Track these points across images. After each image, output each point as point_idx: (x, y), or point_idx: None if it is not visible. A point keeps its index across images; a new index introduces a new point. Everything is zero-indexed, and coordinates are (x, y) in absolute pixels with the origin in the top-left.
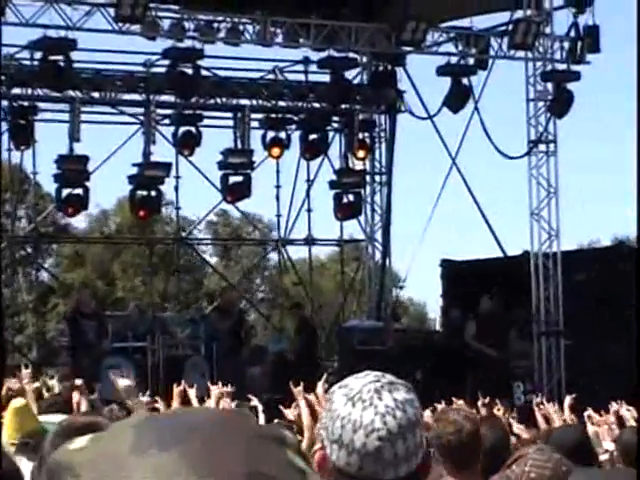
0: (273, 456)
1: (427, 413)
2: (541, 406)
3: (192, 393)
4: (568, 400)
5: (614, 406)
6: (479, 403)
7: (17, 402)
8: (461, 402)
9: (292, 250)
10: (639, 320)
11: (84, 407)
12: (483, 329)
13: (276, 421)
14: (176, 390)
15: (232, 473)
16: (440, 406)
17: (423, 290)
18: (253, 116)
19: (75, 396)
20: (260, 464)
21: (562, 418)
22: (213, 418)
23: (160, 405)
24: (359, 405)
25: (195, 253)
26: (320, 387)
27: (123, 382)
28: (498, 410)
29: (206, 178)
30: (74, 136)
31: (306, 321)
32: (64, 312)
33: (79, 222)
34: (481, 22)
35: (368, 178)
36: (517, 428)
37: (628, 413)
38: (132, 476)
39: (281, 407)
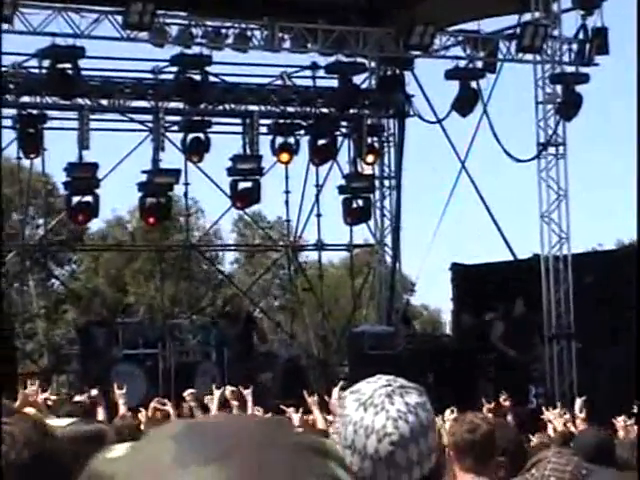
0: (316, 470)
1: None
2: (546, 411)
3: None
4: (579, 402)
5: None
6: (484, 408)
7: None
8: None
9: (302, 256)
10: (639, 321)
11: (101, 416)
12: (513, 332)
13: None
14: (216, 393)
15: None
16: (448, 411)
17: (436, 295)
18: (262, 122)
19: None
20: (304, 478)
21: (563, 422)
22: (254, 429)
23: (169, 407)
24: (371, 410)
25: (207, 260)
26: (335, 393)
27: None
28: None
29: (215, 184)
30: (83, 144)
31: (240, 312)
32: (74, 320)
33: (94, 227)
34: (489, 25)
35: (377, 183)
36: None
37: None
38: None
39: (288, 411)
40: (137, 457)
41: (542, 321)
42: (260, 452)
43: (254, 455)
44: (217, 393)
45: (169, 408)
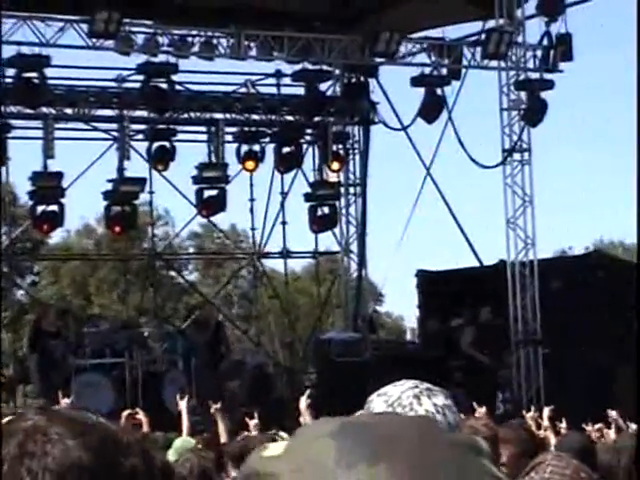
0: (476, 468)
1: None
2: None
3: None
4: (547, 411)
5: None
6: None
7: None
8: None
9: (267, 263)
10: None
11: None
12: (483, 338)
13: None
14: (182, 403)
15: None
16: None
17: (400, 302)
18: (227, 130)
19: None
20: (468, 475)
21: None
22: (410, 427)
23: (141, 416)
24: (399, 411)
25: (171, 268)
26: (303, 402)
27: None
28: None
29: (180, 193)
30: (48, 153)
31: (209, 320)
32: (28, 332)
33: (56, 237)
34: (454, 32)
35: (343, 190)
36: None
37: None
38: None
39: (248, 420)
40: (298, 456)
41: (509, 327)
42: (423, 450)
43: (418, 453)
44: (183, 404)
45: (142, 417)
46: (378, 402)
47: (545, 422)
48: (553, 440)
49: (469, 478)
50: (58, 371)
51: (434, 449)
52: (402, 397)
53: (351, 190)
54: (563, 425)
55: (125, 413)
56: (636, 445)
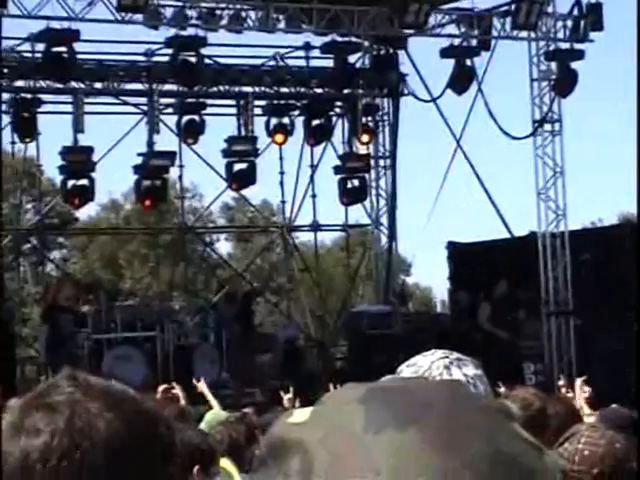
0: (507, 432)
1: None
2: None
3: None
4: (579, 382)
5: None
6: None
7: None
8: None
9: (298, 236)
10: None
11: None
12: (497, 311)
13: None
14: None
15: (477, 454)
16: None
17: (429, 274)
18: (256, 103)
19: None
20: (499, 442)
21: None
22: (440, 390)
23: (178, 391)
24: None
25: (202, 242)
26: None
27: None
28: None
29: (210, 166)
30: (78, 127)
31: (237, 293)
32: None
33: (88, 212)
34: (483, 3)
35: (372, 162)
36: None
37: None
38: (371, 457)
39: (281, 393)
40: (324, 422)
41: (538, 298)
42: (453, 414)
43: (448, 417)
44: (201, 385)
45: (178, 391)
46: (407, 373)
47: (578, 393)
48: (587, 410)
49: (499, 441)
50: (65, 346)
51: (464, 413)
52: (432, 367)
53: (381, 162)
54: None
55: (161, 387)
56: (637, 443)
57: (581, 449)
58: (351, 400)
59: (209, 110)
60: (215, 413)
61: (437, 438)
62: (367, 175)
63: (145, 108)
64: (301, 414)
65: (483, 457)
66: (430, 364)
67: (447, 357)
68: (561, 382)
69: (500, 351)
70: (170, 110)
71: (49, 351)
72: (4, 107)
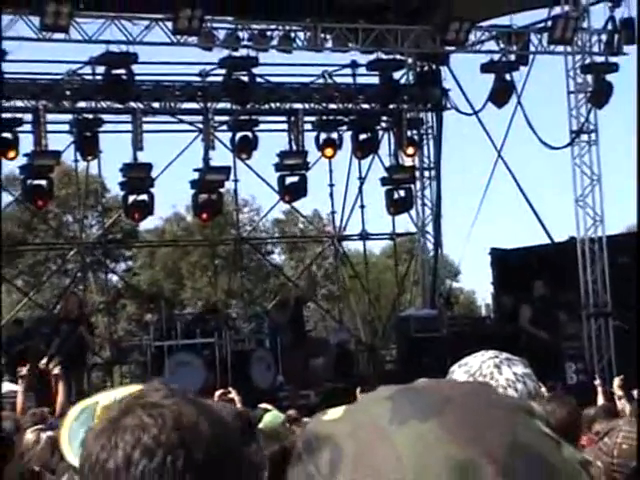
0: (526, 426)
1: None
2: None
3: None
4: (617, 381)
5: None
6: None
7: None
8: None
9: (347, 245)
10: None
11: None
12: (537, 313)
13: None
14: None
15: (494, 443)
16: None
17: (473, 279)
18: (306, 119)
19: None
20: (518, 434)
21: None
22: (463, 389)
23: (233, 395)
24: (480, 380)
25: (257, 252)
26: None
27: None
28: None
29: (263, 180)
30: (137, 145)
31: (288, 299)
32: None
33: (149, 224)
34: (521, 20)
35: (417, 174)
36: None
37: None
38: (395, 446)
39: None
40: (355, 418)
41: (578, 300)
42: (475, 409)
43: (469, 411)
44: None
45: (234, 395)
46: (459, 373)
47: (617, 391)
48: (628, 408)
49: (517, 433)
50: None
51: (484, 408)
52: (482, 367)
53: (426, 174)
54: (635, 393)
55: (218, 392)
56: (637, 439)
57: (620, 443)
58: (380, 398)
59: (261, 126)
60: (273, 415)
61: (457, 429)
62: (413, 186)
63: (200, 126)
64: (334, 412)
65: (501, 447)
66: (481, 364)
67: (497, 357)
68: (597, 382)
69: (542, 352)
70: (224, 127)
71: (62, 358)
72: (67, 127)
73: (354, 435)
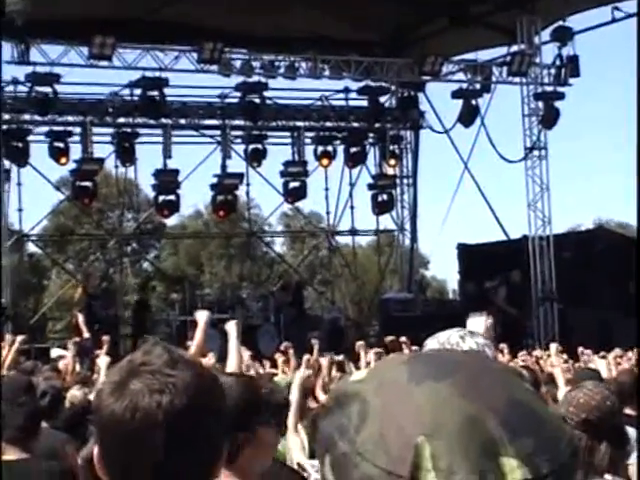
0: (520, 385)
1: None
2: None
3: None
4: (553, 348)
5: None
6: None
7: None
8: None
9: (339, 239)
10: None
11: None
12: (514, 295)
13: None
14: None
15: (495, 398)
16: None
17: (443, 269)
18: (307, 134)
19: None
20: (514, 392)
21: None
22: (470, 355)
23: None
24: (448, 347)
25: (265, 244)
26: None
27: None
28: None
29: (270, 184)
30: (167, 154)
31: (290, 284)
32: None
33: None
34: (485, 55)
35: (398, 181)
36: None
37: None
38: (413, 400)
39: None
40: (378, 378)
41: (532, 287)
42: (480, 372)
43: (476, 373)
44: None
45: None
46: (432, 342)
47: (552, 358)
48: (559, 374)
49: (514, 391)
50: (100, 324)
51: (486, 371)
52: (450, 338)
53: (405, 181)
54: (588, 351)
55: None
56: (636, 437)
57: (579, 397)
58: (398, 362)
59: (270, 140)
60: (281, 377)
61: (465, 387)
62: (394, 191)
63: (219, 139)
64: (359, 374)
65: (501, 401)
66: (448, 336)
67: (461, 331)
68: (537, 352)
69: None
70: (239, 140)
71: (88, 330)
72: (109, 139)
73: (378, 392)
